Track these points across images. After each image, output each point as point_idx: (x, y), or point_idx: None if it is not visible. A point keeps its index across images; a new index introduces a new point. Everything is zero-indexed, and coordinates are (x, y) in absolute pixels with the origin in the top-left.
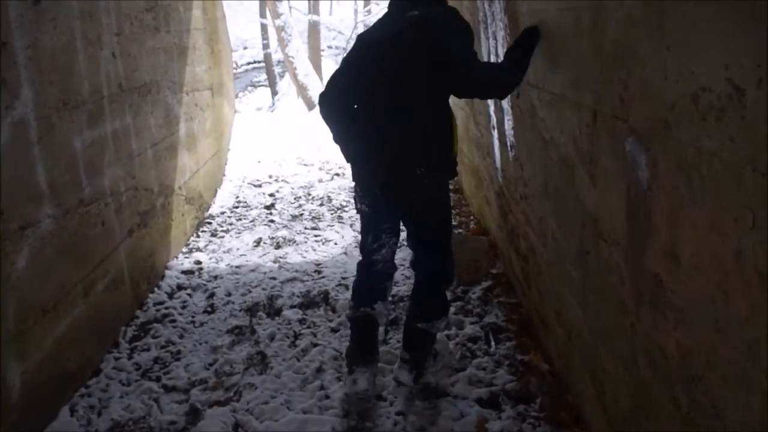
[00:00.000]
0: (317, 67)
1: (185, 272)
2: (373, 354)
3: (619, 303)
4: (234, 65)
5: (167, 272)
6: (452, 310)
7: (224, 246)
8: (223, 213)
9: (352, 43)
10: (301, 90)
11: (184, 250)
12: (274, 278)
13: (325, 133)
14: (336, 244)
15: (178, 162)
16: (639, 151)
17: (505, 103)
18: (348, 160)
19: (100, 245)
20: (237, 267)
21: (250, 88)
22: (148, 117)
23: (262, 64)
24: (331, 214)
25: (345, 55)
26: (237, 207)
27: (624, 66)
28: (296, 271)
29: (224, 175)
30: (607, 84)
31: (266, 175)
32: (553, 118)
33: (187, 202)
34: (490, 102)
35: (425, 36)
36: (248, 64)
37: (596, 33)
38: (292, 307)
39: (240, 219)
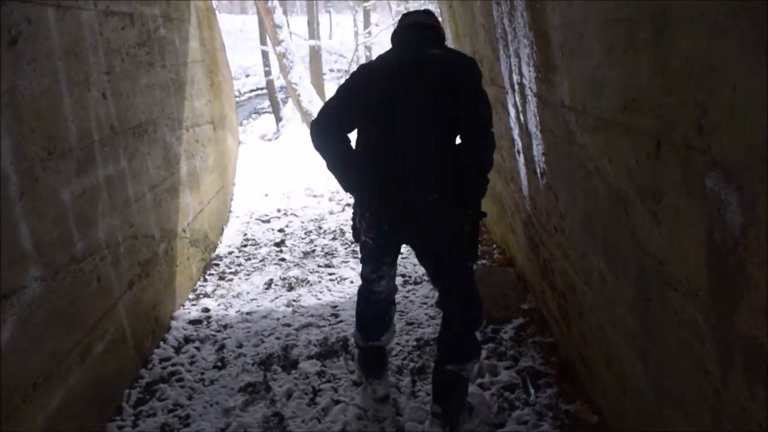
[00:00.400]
0: (320, 92)
1: (193, 322)
2: (384, 368)
3: (696, 363)
4: (237, 93)
5: (173, 323)
6: (484, 353)
7: (233, 290)
8: (230, 253)
9: (354, 65)
10: (306, 117)
11: (191, 296)
12: (288, 325)
13: None
14: (352, 282)
15: (180, 203)
16: (727, 190)
17: (533, 127)
18: (347, 190)
19: (96, 304)
20: (248, 314)
21: (254, 116)
22: (145, 158)
23: (265, 91)
24: (345, 248)
25: (344, 83)
26: (245, 246)
27: (703, 86)
28: (311, 315)
29: (230, 211)
30: (676, 108)
31: (274, 209)
32: (598, 145)
33: (192, 244)
34: (514, 125)
35: (451, 76)
36: (251, 91)
37: (659, 48)
38: (309, 357)
39: (249, 259)
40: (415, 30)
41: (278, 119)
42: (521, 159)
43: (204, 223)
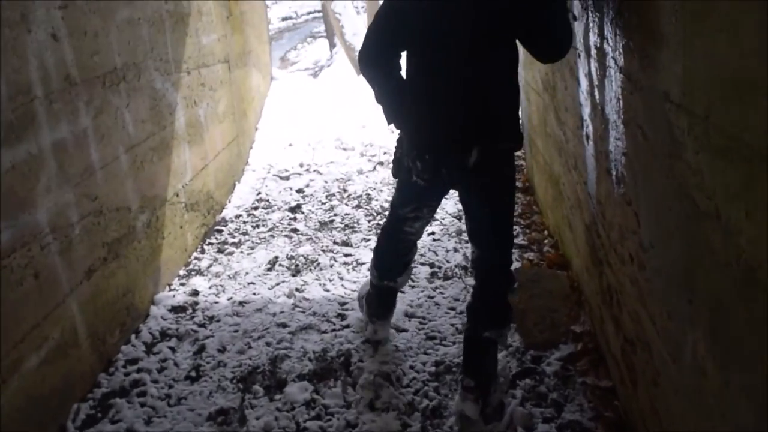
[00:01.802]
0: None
1: (175, 309)
2: (391, 310)
3: None
4: (293, 15)
5: (153, 309)
6: (518, 393)
7: (231, 267)
8: (238, 217)
9: None
10: (349, 51)
11: (182, 272)
12: (284, 325)
13: (372, 104)
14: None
15: (174, 162)
16: None
17: (612, 112)
18: (393, 123)
19: (30, 307)
20: (240, 303)
21: (309, 39)
22: (120, 112)
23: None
24: (368, 221)
25: (387, 6)
26: (256, 208)
27: None
28: (314, 313)
29: (247, 163)
30: None
31: (297, 163)
32: (727, 180)
33: (188, 209)
34: (584, 101)
35: None
36: (308, 14)
37: None
38: (300, 377)
39: (257, 226)
40: None
41: (332, 45)
42: (590, 147)
43: (208, 182)
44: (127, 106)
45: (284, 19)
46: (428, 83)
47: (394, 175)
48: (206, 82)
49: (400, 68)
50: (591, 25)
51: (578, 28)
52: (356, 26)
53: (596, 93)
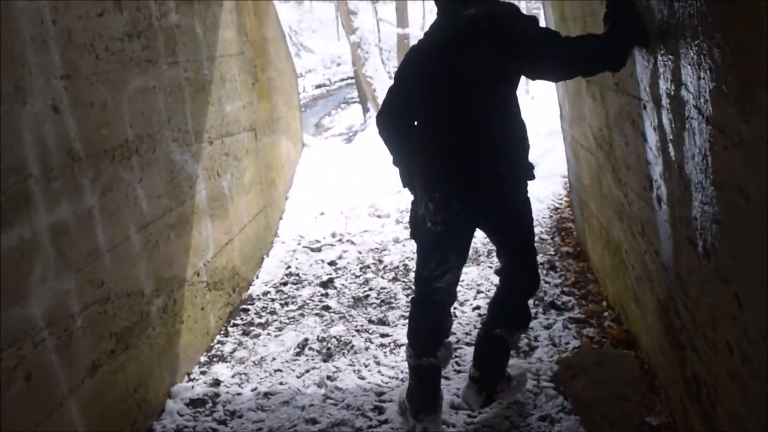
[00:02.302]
0: None
1: (194, 402)
2: (437, 401)
3: None
4: (327, 82)
5: (169, 403)
6: None
7: (257, 352)
8: (266, 294)
9: None
10: None
11: (203, 358)
12: (313, 421)
13: None
14: None
15: (194, 238)
16: None
17: (697, 171)
18: (405, 184)
19: (21, 414)
20: (266, 395)
21: (343, 105)
22: (131, 188)
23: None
24: (407, 295)
25: (396, 71)
26: (285, 284)
27: None
28: (347, 406)
29: (276, 235)
30: None
31: (329, 233)
32: None
33: (211, 288)
34: (654, 158)
35: (491, 27)
36: (341, 80)
37: None
38: None
39: (286, 303)
40: None
41: (365, 110)
42: (664, 212)
43: (233, 257)
44: (140, 181)
45: (318, 86)
46: (430, 128)
47: (412, 236)
48: (230, 152)
49: (411, 129)
50: (661, 69)
51: (642, 75)
52: None
53: (671, 149)
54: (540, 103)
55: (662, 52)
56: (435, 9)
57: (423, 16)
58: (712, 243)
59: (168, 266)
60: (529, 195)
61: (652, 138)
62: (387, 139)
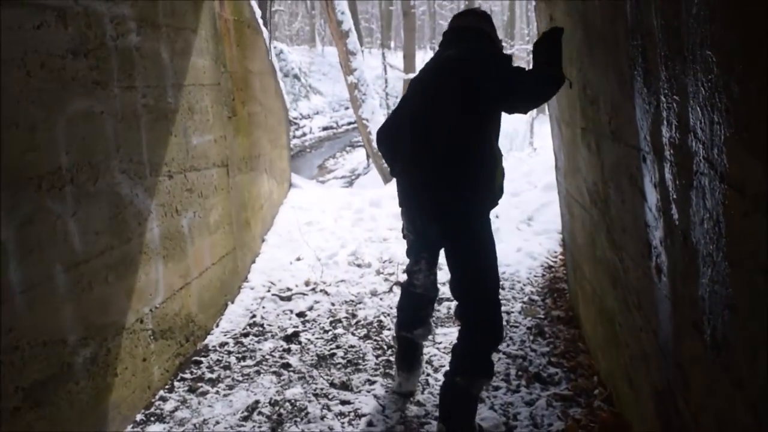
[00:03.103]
0: None
1: None
2: (415, 364)
3: None
4: (333, 125)
5: None
6: None
7: (200, 413)
8: (223, 345)
9: None
10: (376, 159)
11: (139, 417)
12: None
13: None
14: (373, 426)
15: (140, 281)
16: None
17: (705, 240)
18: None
19: None
20: None
21: (348, 149)
22: (62, 222)
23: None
24: (377, 356)
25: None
26: (247, 334)
27: None
28: None
29: (245, 280)
30: None
31: (302, 280)
32: None
33: (157, 337)
34: (654, 220)
35: (458, 75)
36: (348, 124)
37: None
38: None
39: (243, 357)
40: (450, 34)
41: (369, 155)
42: (663, 285)
43: (188, 303)
44: (74, 214)
45: (325, 128)
46: (406, 148)
47: (403, 236)
48: (195, 188)
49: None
50: (665, 113)
51: (642, 120)
52: None
53: (674, 211)
54: (541, 156)
55: (666, 90)
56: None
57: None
58: (722, 333)
59: (102, 311)
60: (491, 227)
61: (653, 196)
62: (383, 153)
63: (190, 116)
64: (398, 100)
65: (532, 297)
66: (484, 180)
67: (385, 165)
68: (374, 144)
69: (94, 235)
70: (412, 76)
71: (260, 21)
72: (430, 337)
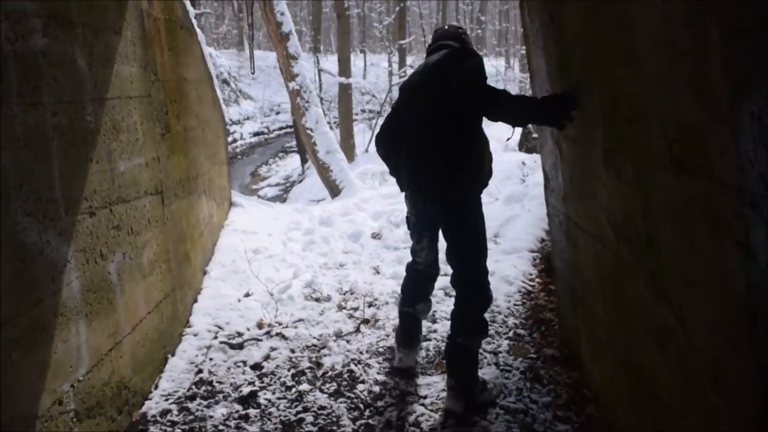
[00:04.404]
0: (349, 134)
1: None
2: (414, 341)
3: None
4: (265, 130)
5: None
6: None
7: None
8: (165, 414)
9: (387, 107)
10: (322, 171)
11: None
12: None
13: (351, 236)
14: None
15: (57, 351)
16: None
17: None
18: (401, 189)
19: None
20: None
21: (281, 154)
22: None
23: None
24: (353, 419)
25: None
26: (194, 396)
27: None
28: None
29: (187, 324)
30: None
31: (254, 321)
32: None
33: (82, 417)
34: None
35: (433, 78)
36: (280, 129)
37: None
38: None
39: (190, 430)
40: (433, 45)
41: (304, 160)
42: None
43: (121, 367)
44: None
45: (255, 134)
46: (404, 145)
47: (407, 222)
48: (124, 224)
49: (399, 146)
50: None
51: (752, 153)
52: (330, 143)
53: None
54: (495, 162)
55: None
56: (372, 62)
57: (364, 68)
58: None
59: (7, 402)
60: (482, 208)
61: (766, 255)
62: (382, 154)
63: (116, 136)
64: (332, 104)
65: (518, 331)
66: (475, 163)
67: (334, 178)
68: (320, 155)
69: None
70: (345, 80)
71: (194, 21)
72: (428, 315)
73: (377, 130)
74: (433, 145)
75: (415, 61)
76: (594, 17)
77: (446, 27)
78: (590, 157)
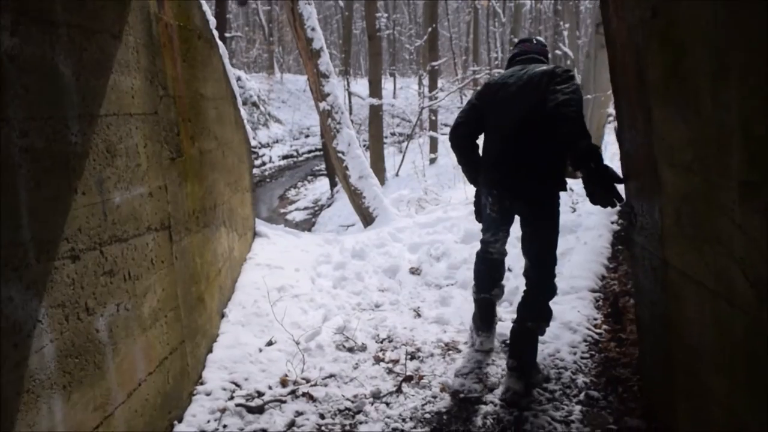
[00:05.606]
0: (379, 158)
1: None
2: (493, 324)
3: None
4: (294, 153)
5: None
6: None
7: None
8: None
9: (418, 129)
10: (354, 197)
11: None
12: None
13: (386, 269)
14: None
15: None
16: None
17: None
18: (471, 182)
19: None
20: None
21: (310, 178)
22: None
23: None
24: None
25: (471, 98)
26: None
27: None
28: None
29: (199, 380)
30: None
31: (277, 377)
32: None
33: None
34: None
35: (531, 89)
36: (309, 152)
37: None
38: None
39: None
40: (522, 56)
41: (333, 183)
42: None
43: None
44: None
45: (285, 157)
46: (493, 146)
47: (478, 220)
48: (118, 268)
49: (476, 145)
50: None
51: None
52: (363, 167)
53: None
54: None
55: None
56: (401, 86)
57: (394, 90)
58: None
59: None
60: (559, 208)
61: None
62: (458, 146)
63: (110, 161)
64: (362, 127)
65: (590, 393)
66: (560, 170)
67: (367, 205)
68: (351, 180)
69: None
70: (376, 101)
71: (215, 32)
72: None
73: (407, 153)
74: (531, 152)
75: (444, 84)
76: (734, 8)
77: (534, 40)
78: (717, 190)
